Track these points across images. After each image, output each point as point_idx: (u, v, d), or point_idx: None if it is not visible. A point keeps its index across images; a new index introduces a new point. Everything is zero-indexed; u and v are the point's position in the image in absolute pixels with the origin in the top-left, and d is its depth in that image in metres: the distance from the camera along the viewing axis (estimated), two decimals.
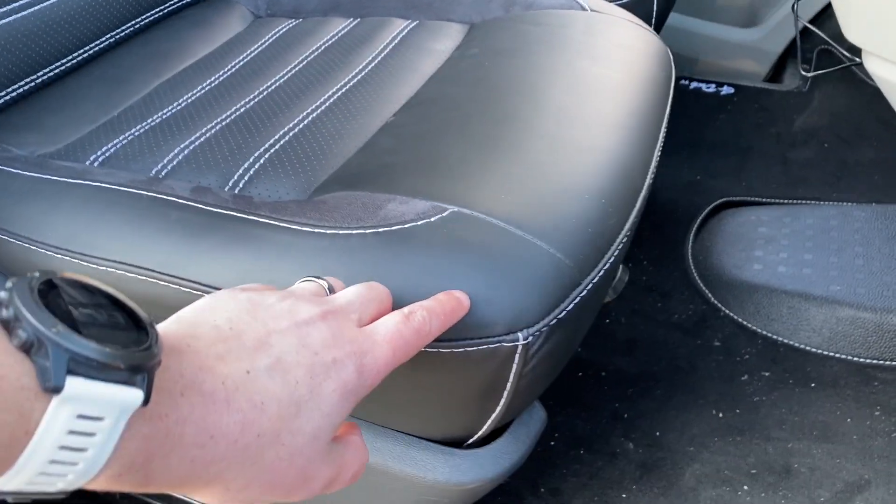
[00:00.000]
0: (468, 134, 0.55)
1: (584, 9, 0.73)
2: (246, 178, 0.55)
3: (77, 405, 0.24)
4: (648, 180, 0.56)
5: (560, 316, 0.46)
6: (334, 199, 0.50)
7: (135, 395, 0.26)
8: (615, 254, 0.50)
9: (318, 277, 0.41)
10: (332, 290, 0.41)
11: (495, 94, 0.60)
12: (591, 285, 0.48)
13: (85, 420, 0.25)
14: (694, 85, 1.49)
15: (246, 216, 0.48)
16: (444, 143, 0.55)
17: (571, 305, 0.46)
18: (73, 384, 0.24)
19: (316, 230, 0.47)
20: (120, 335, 0.27)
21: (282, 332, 0.34)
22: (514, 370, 0.45)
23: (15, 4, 0.67)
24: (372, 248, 0.45)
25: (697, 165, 1.27)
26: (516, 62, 0.65)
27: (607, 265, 0.49)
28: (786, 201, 1.15)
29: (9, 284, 0.25)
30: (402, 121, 0.60)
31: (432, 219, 0.47)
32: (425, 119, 0.59)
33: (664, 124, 0.62)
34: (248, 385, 0.31)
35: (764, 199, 1.16)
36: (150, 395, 0.26)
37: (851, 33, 0.75)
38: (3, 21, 0.66)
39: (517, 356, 0.45)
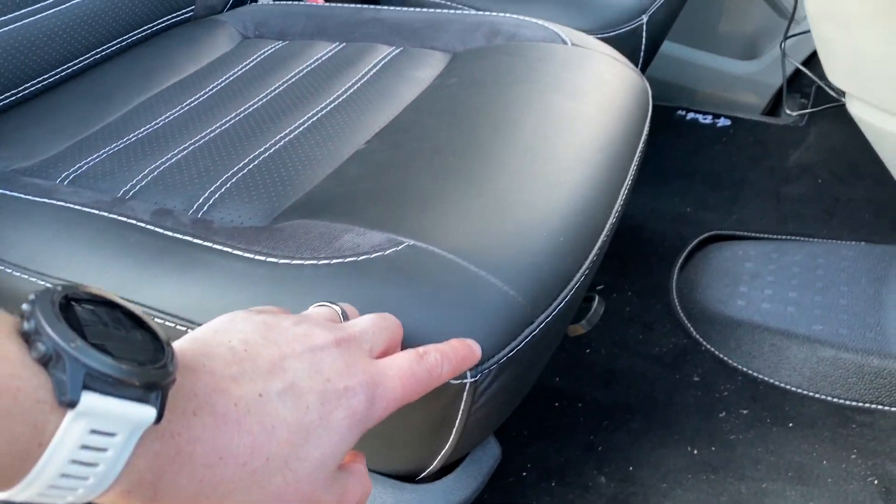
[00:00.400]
0: (434, 165, 0.55)
1: (565, 42, 0.73)
2: (211, 201, 0.55)
3: (91, 420, 0.25)
4: (613, 218, 0.56)
5: (510, 354, 0.45)
6: (292, 227, 0.50)
7: (148, 412, 0.26)
8: (571, 292, 0.50)
9: (333, 303, 0.41)
10: (345, 317, 0.41)
11: (467, 125, 0.60)
12: (544, 323, 0.47)
13: (98, 435, 0.25)
14: (691, 116, 1.49)
15: (201, 242, 0.49)
16: (409, 173, 0.55)
17: (523, 344, 0.46)
18: (89, 399, 0.24)
19: (268, 259, 0.47)
20: (136, 352, 0.27)
21: (296, 356, 0.34)
22: (462, 407, 0.45)
23: (1, 19, 0.68)
24: (323, 280, 0.45)
25: (689, 197, 1.26)
26: (491, 94, 0.65)
27: (562, 303, 0.49)
28: (774, 237, 1.15)
29: (31, 297, 0.26)
30: (373, 148, 0.61)
31: (386, 252, 0.47)
32: (395, 147, 0.59)
33: (635, 161, 0.62)
34: (260, 408, 0.31)
35: (752, 234, 1.16)
36: (163, 413, 0.27)
37: (834, 77, 0.75)
38: None
39: (465, 394, 0.44)
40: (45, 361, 0.24)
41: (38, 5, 0.69)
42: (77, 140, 0.66)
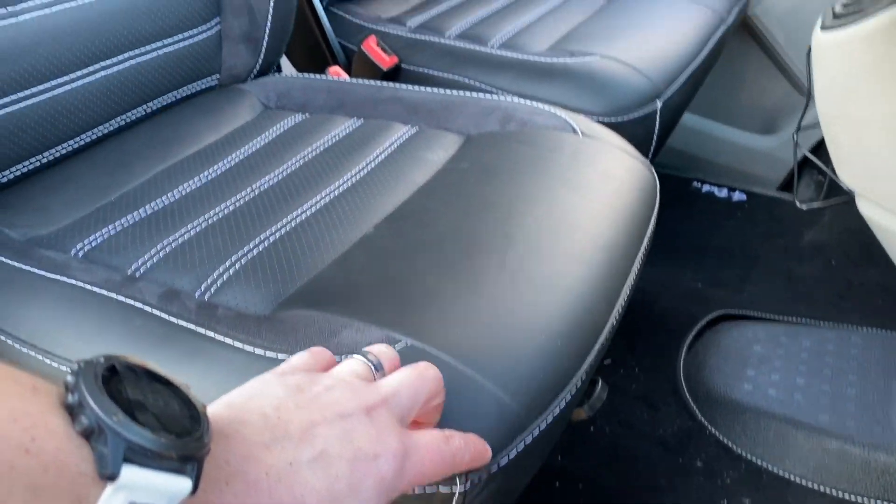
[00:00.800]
0: (437, 258, 0.56)
1: (576, 132, 0.74)
2: (218, 283, 0.56)
3: (130, 492, 0.26)
4: (613, 320, 0.56)
5: (501, 463, 0.45)
6: (294, 318, 0.51)
7: (184, 483, 0.27)
8: (567, 398, 0.50)
9: (368, 354, 0.41)
10: (380, 367, 0.41)
11: (472, 216, 0.61)
12: (537, 430, 0.48)
13: None
14: (706, 188, 1.50)
15: (204, 332, 0.50)
16: (412, 265, 0.56)
17: (514, 452, 0.46)
18: (129, 472, 0.26)
19: (267, 354, 0.47)
20: (174, 422, 0.28)
21: (327, 423, 0.35)
22: None
23: (31, 90, 0.70)
24: None
25: (700, 272, 1.26)
26: (499, 183, 0.66)
27: (557, 410, 0.49)
28: (784, 318, 1.14)
29: (76, 368, 0.27)
30: (380, 234, 0.62)
31: None
32: (401, 235, 0.61)
33: (638, 260, 0.63)
34: (291, 477, 0.32)
35: (761, 315, 1.15)
36: (198, 484, 0.28)
37: (844, 175, 0.76)
38: (18, 106, 0.68)
39: (454, 503, 0.44)
40: (88, 434, 0.26)
41: (67, 76, 0.72)
42: (94, 209, 0.68)
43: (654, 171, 0.73)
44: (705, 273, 1.26)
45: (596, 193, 0.65)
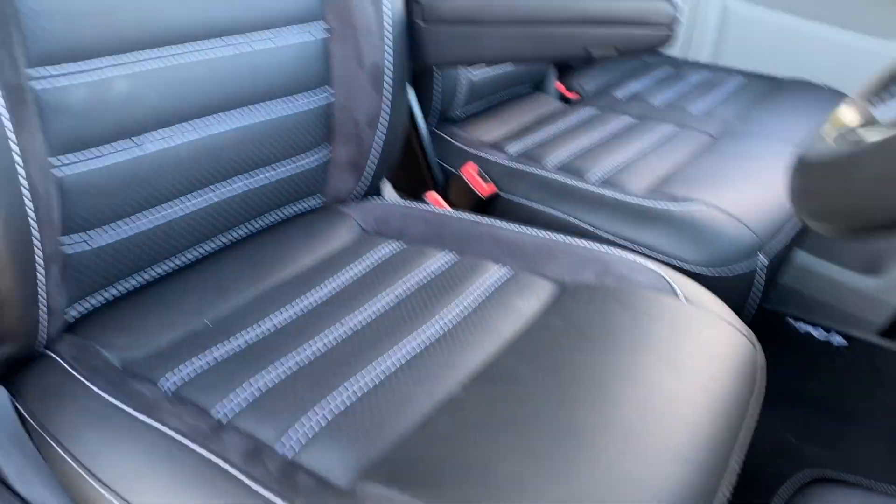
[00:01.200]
0: (526, 439, 0.54)
1: (676, 295, 0.72)
2: (303, 441, 0.56)
3: None
4: None
5: None
6: (374, 498, 0.50)
7: None
8: None
9: None
10: None
11: (565, 391, 0.59)
12: None
13: None
14: (804, 328, 1.43)
15: None
16: (499, 444, 0.54)
17: None
18: None
19: None
20: None
21: None
22: None
23: (144, 213, 0.72)
24: None
25: (792, 423, 1.19)
26: (594, 352, 0.64)
27: None
28: (884, 487, 1.06)
29: None
30: (466, 398, 0.60)
31: None
32: (489, 404, 0.59)
33: (736, 452, 0.59)
34: None
35: (859, 481, 1.07)
36: None
37: None
38: (131, 231, 0.71)
39: None
40: None
41: (179, 200, 0.74)
42: (187, 333, 0.69)
43: (759, 347, 0.70)
44: (797, 425, 1.19)
45: (696, 375, 0.62)
